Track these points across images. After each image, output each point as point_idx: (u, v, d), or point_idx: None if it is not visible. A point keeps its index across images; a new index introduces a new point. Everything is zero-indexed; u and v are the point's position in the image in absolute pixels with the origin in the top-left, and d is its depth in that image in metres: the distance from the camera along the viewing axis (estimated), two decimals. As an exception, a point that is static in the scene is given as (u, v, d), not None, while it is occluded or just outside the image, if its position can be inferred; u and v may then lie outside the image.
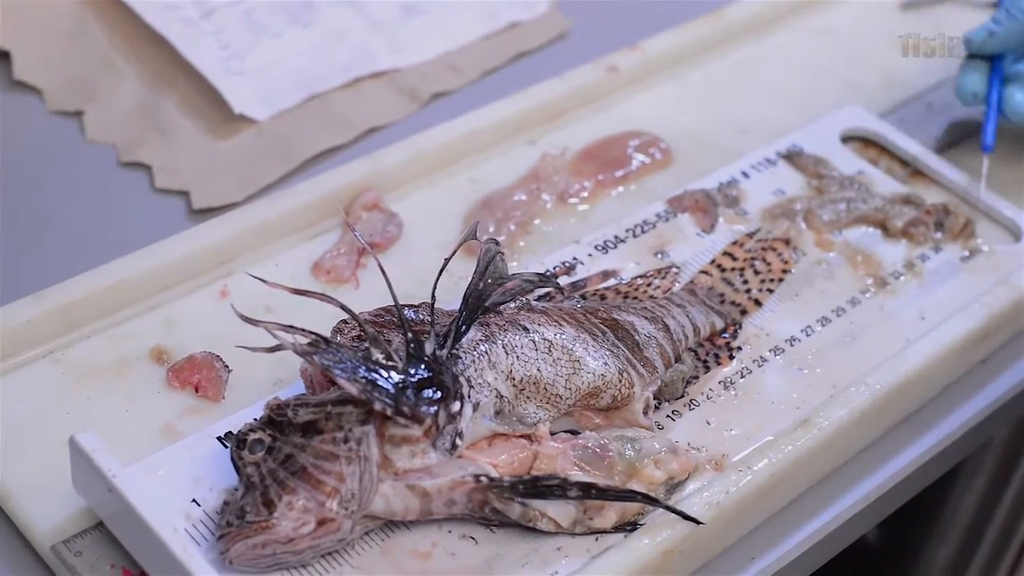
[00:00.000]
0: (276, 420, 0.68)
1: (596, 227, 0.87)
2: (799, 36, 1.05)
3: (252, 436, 0.68)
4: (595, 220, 0.88)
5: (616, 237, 0.86)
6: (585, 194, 0.89)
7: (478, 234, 0.83)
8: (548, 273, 0.83)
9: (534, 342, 0.73)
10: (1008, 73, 0.93)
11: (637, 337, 0.76)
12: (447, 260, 0.72)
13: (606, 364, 0.74)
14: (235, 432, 0.68)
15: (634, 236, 0.86)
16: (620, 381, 0.74)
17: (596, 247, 0.85)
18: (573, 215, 0.88)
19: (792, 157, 0.93)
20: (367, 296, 0.80)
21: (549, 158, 0.90)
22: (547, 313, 0.75)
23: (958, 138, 0.98)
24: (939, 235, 0.89)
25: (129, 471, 0.68)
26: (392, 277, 0.70)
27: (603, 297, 0.81)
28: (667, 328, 0.78)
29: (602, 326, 0.76)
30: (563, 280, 0.82)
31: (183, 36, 0.97)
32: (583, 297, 0.80)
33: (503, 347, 0.72)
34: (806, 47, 1.04)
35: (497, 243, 0.76)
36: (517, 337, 0.73)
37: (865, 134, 0.96)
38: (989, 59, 0.93)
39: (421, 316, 0.73)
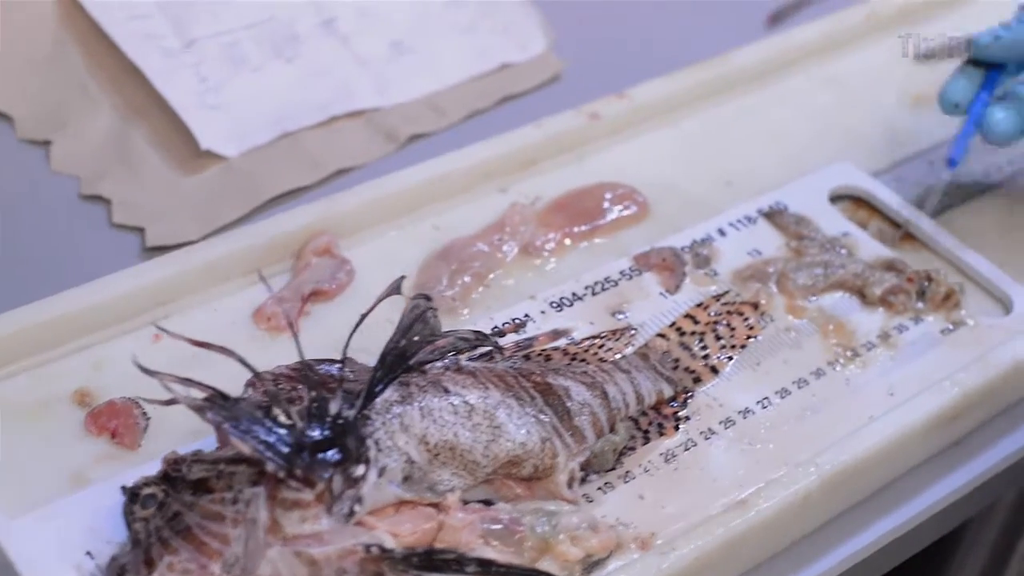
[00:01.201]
0: (171, 475, 0.66)
1: (558, 282, 0.83)
2: (803, 85, 1.00)
3: (145, 491, 0.66)
4: (559, 275, 0.84)
5: (574, 294, 0.82)
6: (551, 247, 0.86)
7: (430, 286, 0.80)
8: (496, 330, 0.79)
9: (454, 405, 0.69)
10: (999, 89, 0.87)
11: (569, 404, 0.72)
12: (363, 316, 0.69)
13: (528, 432, 0.70)
14: (129, 486, 0.66)
15: (593, 294, 0.82)
16: (542, 451, 0.70)
17: (551, 304, 0.81)
18: (535, 269, 0.85)
19: (773, 215, 0.88)
20: (307, 346, 0.77)
21: (517, 207, 0.87)
22: (475, 374, 0.72)
23: (958, 200, 0.93)
24: (921, 305, 0.84)
25: (19, 523, 0.66)
26: (337, 326, 0.68)
27: (548, 358, 0.77)
28: (605, 395, 0.74)
29: (533, 391, 0.72)
30: (511, 338, 0.79)
31: (160, 67, 0.95)
32: (527, 357, 0.77)
33: (419, 409, 0.69)
34: (810, 97, 1.00)
35: (428, 299, 0.73)
36: (436, 399, 0.69)
37: (856, 192, 0.91)
38: (986, 70, 0.87)
39: (344, 373, 0.70)
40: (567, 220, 0.87)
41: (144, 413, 0.74)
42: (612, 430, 0.73)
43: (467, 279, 0.83)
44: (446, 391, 0.70)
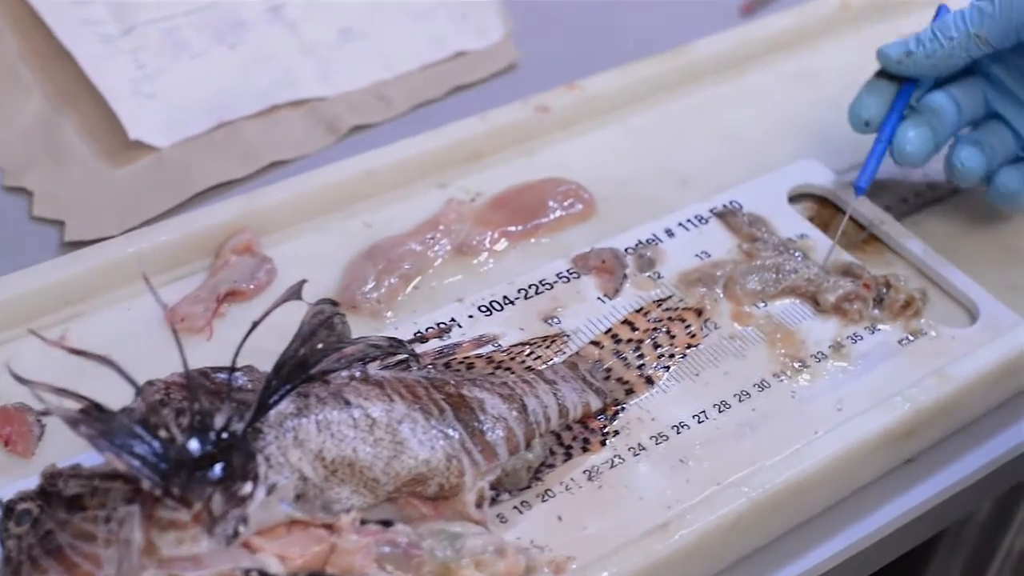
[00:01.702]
0: (48, 491, 0.62)
1: (493, 284, 0.79)
2: (769, 79, 0.95)
3: (20, 506, 0.62)
4: (495, 276, 0.80)
5: (505, 298, 0.77)
6: (488, 246, 0.81)
7: (354, 287, 0.76)
8: (418, 335, 0.75)
9: (354, 418, 0.65)
10: (913, 105, 0.81)
11: (482, 418, 0.68)
12: (255, 324, 0.64)
13: (433, 449, 0.66)
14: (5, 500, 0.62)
15: (526, 298, 0.78)
16: (448, 469, 0.66)
17: (480, 308, 0.77)
18: (469, 270, 0.80)
19: (726, 215, 0.83)
20: (221, 350, 0.73)
21: (454, 204, 0.83)
22: (382, 385, 0.67)
23: (929, 200, 0.88)
24: (878, 313, 0.79)
25: None
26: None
27: (471, 366, 0.73)
28: (524, 408, 0.69)
29: (444, 403, 0.67)
30: (434, 344, 0.74)
31: (95, 53, 0.91)
32: (447, 365, 0.72)
33: (316, 423, 0.64)
34: (776, 92, 0.94)
35: (334, 304, 0.68)
36: (335, 412, 0.65)
37: (819, 192, 0.86)
38: (899, 83, 0.81)
39: (241, 382, 0.66)
40: (506, 218, 0.82)
41: (39, 420, 0.70)
42: (529, 446, 0.69)
43: (394, 280, 0.78)
44: (347, 403, 0.65)
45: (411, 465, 0.65)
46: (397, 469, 0.65)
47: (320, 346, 0.66)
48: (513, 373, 0.72)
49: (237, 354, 0.64)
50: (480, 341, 0.75)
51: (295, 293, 0.67)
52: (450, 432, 0.66)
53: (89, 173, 0.85)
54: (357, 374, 0.68)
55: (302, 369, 0.65)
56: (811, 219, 0.85)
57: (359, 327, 0.76)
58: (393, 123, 0.91)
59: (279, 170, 0.88)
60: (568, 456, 0.70)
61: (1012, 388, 0.78)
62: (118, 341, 0.74)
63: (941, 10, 0.81)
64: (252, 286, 0.77)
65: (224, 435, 0.62)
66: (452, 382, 0.69)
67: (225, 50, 0.93)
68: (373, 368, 0.69)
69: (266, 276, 0.78)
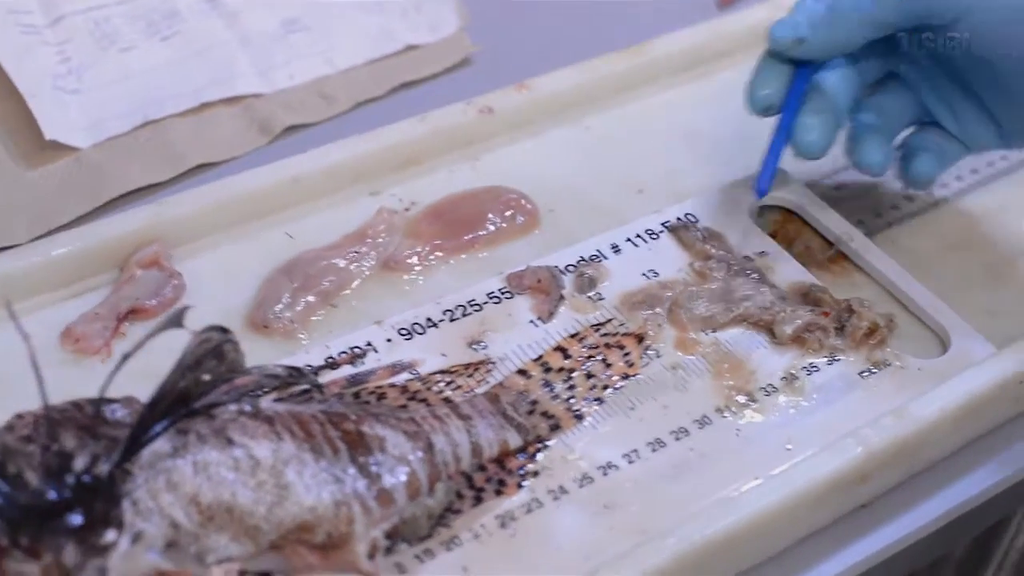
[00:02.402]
0: None
1: (420, 304, 0.72)
2: (737, 78, 0.87)
3: None
4: (423, 295, 0.73)
5: (428, 320, 0.71)
6: (418, 261, 0.75)
7: (267, 306, 0.70)
8: (329, 361, 0.69)
9: (236, 459, 0.59)
10: (814, 84, 0.73)
11: (380, 459, 0.62)
12: (126, 356, 0.58)
13: (320, 494, 0.60)
14: None
15: (451, 320, 0.71)
16: (336, 516, 0.60)
17: (400, 331, 0.71)
18: (395, 287, 0.74)
19: (679, 230, 0.77)
20: (119, 375, 0.67)
21: (384, 214, 0.76)
22: (272, 421, 0.61)
23: (907, 214, 0.81)
24: (839, 341, 0.72)
25: None
26: (156, 351, 0.58)
27: (382, 397, 0.67)
28: (431, 447, 0.63)
29: (340, 441, 0.61)
30: (346, 371, 0.68)
31: (16, 46, 0.85)
32: (356, 396, 0.66)
33: (193, 463, 0.58)
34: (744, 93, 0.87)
35: (223, 330, 0.62)
36: (215, 452, 0.59)
37: (784, 203, 0.79)
38: (794, 65, 0.73)
39: (119, 416, 0.61)
40: (441, 231, 0.76)
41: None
42: (432, 490, 0.63)
43: (311, 298, 0.72)
44: (230, 442, 0.60)
45: (295, 512, 0.59)
46: (280, 516, 0.59)
47: (206, 377, 0.60)
48: (428, 405, 0.66)
49: (107, 385, 0.58)
50: (395, 369, 0.69)
51: (175, 320, 0.61)
52: (342, 475, 0.60)
53: (1, 174, 0.80)
54: (247, 408, 0.62)
55: (183, 403, 0.60)
56: (774, 234, 0.78)
57: (269, 351, 0.70)
58: (333, 123, 0.85)
59: (206, 173, 0.82)
60: (478, 500, 0.64)
61: (982, 426, 0.71)
62: (6, 363, 0.68)
63: None
64: (156, 303, 0.72)
65: (86, 477, 0.56)
66: (353, 417, 0.63)
67: (157, 43, 0.87)
68: (267, 401, 0.63)
69: (173, 292, 0.72)
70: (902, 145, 0.77)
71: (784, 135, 0.73)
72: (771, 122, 0.76)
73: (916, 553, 0.69)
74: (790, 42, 0.71)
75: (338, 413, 0.63)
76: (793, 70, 0.73)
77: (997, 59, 0.70)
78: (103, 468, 0.57)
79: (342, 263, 0.74)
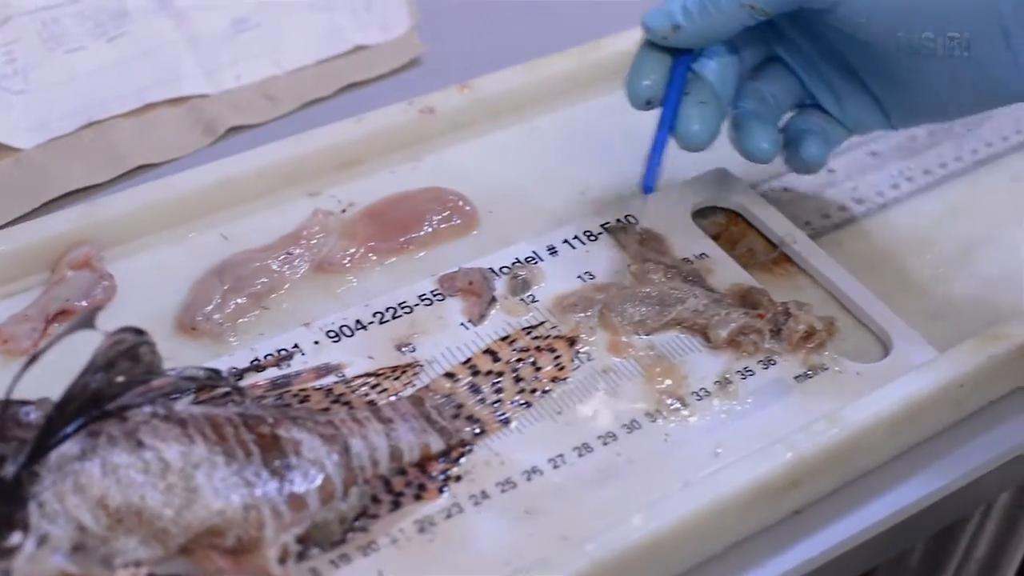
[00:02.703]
0: None
1: (352, 306, 0.72)
2: (690, 78, 0.87)
3: None
4: (356, 297, 0.73)
5: (357, 322, 0.70)
6: (351, 263, 0.74)
7: (196, 307, 0.70)
8: (256, 363, 0.68)
9: (145, 461, 0.58)
10: (694, 73, 0.71)
11: (294, 462, 0.61)
12: (33, 357, 0.58)
13: (228, 497, 0.59)
14: None
15: (381, 322, 0.71)
16: (245, 520, 0.59)
17: (328, 333, 0.70)
18: (328, 289, 0.73)
19: (618, 231, 0.76)
20: (51, 374, 0.66)
21: (319, 215, 0.76)
22: (185, 424, 0.60)
23: (856, 216, 0.80)
24: (775, 345, 0.71)
25: None
26: (85, 352, 0.57)
27: (306, 400, 0.66)
28: (347, 450, 0.62)
29: (254, 445, 0.61)
30: (271, 373, 0.68)
31: (-38, 46, 0.85)
32: (279, 399, 0.66)
33: (101, 466, 0.58)
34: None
35: (139, 332, 0.61)
36: (125, 455, 0.58)
37: (728, 204, 0.78)
38: (672, 55, 0.71)
39: (35, 417, 0.60)
40: (376, 232, 0.75)
41: None
42: (347, 494, 0.62)
43: (241, 300, 0.71)
44: (140, 444, 0.59)
45: (204, 515, 0.58)
46: (189, 519, 0.58)
47: (120, 379, 0.60)
48: (351, 408, 0.65)
49: (13, 387, 0.58)
50: (320, 371, 0.68)
51: (87, 321, 0.61)
52: (253, 479, 0.60)
53: (-59, 176, 0.80)
54: (161, 411, 0.61)
55: (95, 405, 0.59)
56: (717, 236, 0.77)
57: (198, 352, 0.70)
58: (278, 123, 0.84)
59: (147, 173, 0.81)
60: (397, 505, 0.63)
61: (922, 432, 0.70)
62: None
63: None
64: (86, 304, 0.71)
65: (-15, 481, 0.55)
66: (270, 420, 0.62)
67: (104, 44, 0.86)
68: (183, 404, 0.62)
69: (103, 293, 0.72)
70: (785, 128, 0.75)
71: (667, 128, 0.71)
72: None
73: (852, 560, 0.68)
74: (666, 30, 0.69)
75: (254, 416, 0.62)
76: (672, 60, 0.71)
77: (880, 42, 0.69)
78: (9, 470, 0.56)
79: (275, 265, 0.73)
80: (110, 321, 0.69)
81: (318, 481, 0.61)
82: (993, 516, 0.89)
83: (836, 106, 0.74)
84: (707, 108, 0.70)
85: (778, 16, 0.70)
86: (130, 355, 0.60)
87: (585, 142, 0.82)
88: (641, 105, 0.71)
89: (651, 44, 0.71)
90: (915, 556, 0.85)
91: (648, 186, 0.72)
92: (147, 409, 0.61)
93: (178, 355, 0.69)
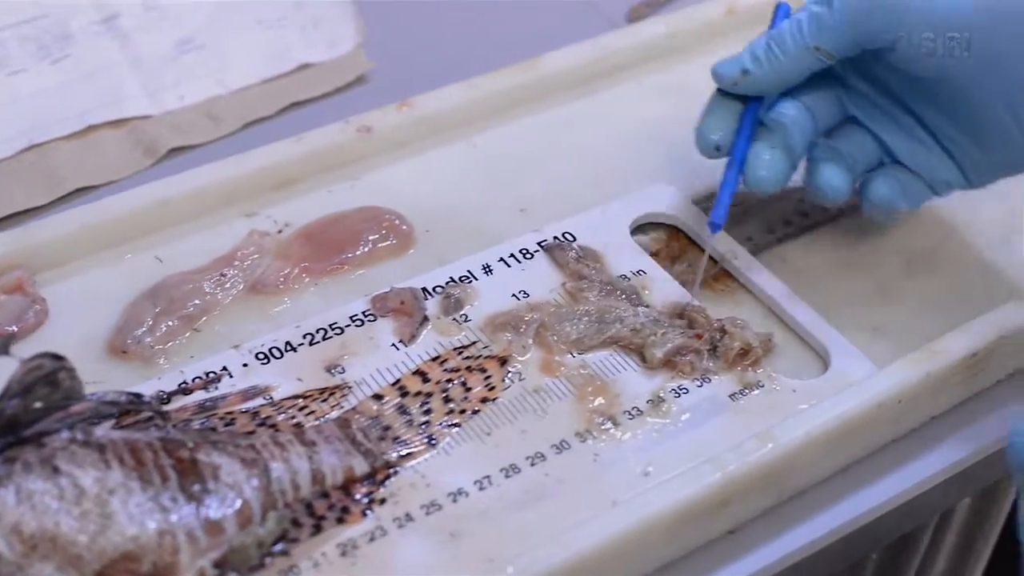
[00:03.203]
0: None
1: (284, 327, 0.71)
2: (633, 93, 0.86)
3: None
4: (289, 318, 0.72)
5: (287, 344, 0.70)
6: (285, 284, 0.73)
7: (127, 330, 0.69)
8: (183, 386, 0.68)
9: (60, 487, 0.58)
10: (763, 121, 0.72)
11: (212, 487, 0.60)
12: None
13: (144, 523, 0.58)
14: None
15: (311, 344, 0.70)
16: (160, 545, 0.58)
17: (257, 355, 0.69)
18: (261, 311, 0.73)
19: (554, 249, 0.75)
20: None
21: (255, 236, 0.75)
22: (103, 449, 0.60)
23: (800, 229, 0.79)
24: (711, 363, 0.70)
25: None
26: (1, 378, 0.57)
27: (232, 423, 0.65)
28: (267, 474, 0.62)
29: (171, 470, 0.60)
30: (199, 396, 0.67)
31: (-97, 70, 0.84)
32: (205, 422, 0.65)
33: (15, 492, 0.58)
34: (641, 108, 0.86)
35: (59, 358, 0.61)
36: (40, 481, 0.58)
37: (667, 220, 0.78)
38: (743, 99, 0.73)
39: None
40: (311, 252, 0.75)
41: None
42: (265, 518, 0.61)
43: (173, 322, 0.71)
44: (56, 470, 0.59)
45: (118, 541, 0.58)
46: (103, 545, 0.58)
47: (38, 405, 0.60)
48: (277, 431, 0.65)
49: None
50: (248, 394, 0.67)
51: (1, 348, 0.60)
52: (169, 504, 0.59)
53: None
54: (79, 436, 0.60)
55: (11, 431, 0.59)
56: (657, 252, 0.76)
57: (128, 376, 0.69)
58: (219, 144, 0.84)
59: (87, 196, 0.81)
60: (318, 529, 0.62)
61: (861, 449, 0.69)
62: None
63: (779, 11, 0.73)
64: (17, 329, 0.70)
65: None
66: (190, 445, 0.62)
67: (47, 66, 0.86)
68: (103, 429, 0.62)
69: (35, 318, 0.71)
70: (863, 179, 0.75)
71: (737, 168, 0.72)
72: (681, 149, 0.76)
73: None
74: (736, 76, 0.71)
75: (175, 440, 0.62)
76: (743, 108, 0.72)
77: (936, 82, 0.69)
78: (-82, 499, 0.56)
79: (208, 287, 0.72)
80: (41, 345, 0.70)
81: (236, 506, 0.60)
82: (952, 527, 0.88)
83: (911, 160, 0.73)
84: (777, 154, 0.71)
85: (845, 68, 0.71)
86: (48, 381, 0.60)
87: (525, 159, 0.82)
88: (710, 152, 0.73)
89: (722, 93, 0.72)
90: (868, 570, 0.83)
91: (716, 223, 0.72)
92: (65, 435, 0.60)
93: (108, 378, 0.69)
